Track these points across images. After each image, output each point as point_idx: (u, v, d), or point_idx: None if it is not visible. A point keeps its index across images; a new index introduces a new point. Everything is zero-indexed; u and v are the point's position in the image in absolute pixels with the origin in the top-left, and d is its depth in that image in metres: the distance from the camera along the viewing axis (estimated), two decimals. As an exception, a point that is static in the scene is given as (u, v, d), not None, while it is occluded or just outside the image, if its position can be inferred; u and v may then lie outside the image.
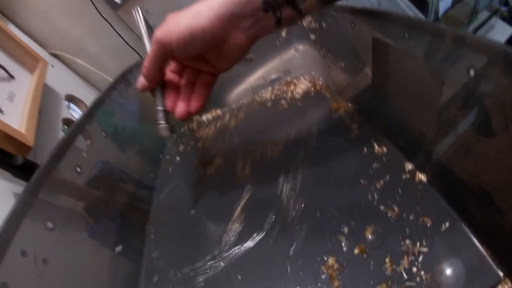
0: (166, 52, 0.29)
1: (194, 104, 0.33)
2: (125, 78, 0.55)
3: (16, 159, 0.38)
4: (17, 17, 0.66)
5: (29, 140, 0.42)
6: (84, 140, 0.39)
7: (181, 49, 0.29)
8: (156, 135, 0.34)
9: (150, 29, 0.36)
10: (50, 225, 0.30)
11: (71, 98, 0.64)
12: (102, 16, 0.72)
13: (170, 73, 0.34)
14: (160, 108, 0.33)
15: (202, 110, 0.34)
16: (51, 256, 0.29)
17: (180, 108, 0.33)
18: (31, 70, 0.58)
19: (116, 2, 0.69)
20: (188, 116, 0.33)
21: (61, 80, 0.66)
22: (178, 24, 0.28)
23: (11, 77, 0.52)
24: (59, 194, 0.33)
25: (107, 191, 0.41)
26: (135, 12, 0.37)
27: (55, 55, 0.71)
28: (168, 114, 0.34)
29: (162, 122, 0.33)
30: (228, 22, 0.28)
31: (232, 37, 0.29)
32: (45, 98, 0.57)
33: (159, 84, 0.33)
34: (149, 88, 0.33)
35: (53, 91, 0.61)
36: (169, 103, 0.33)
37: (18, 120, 0.46)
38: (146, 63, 0.31)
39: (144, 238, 0.43)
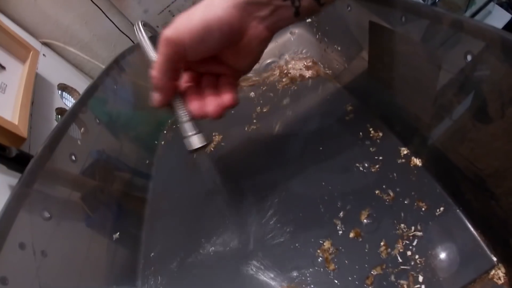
0: (179, 53, 0.25)
1: (227, 97, 0.28)
2: (118, 64, 0.54)
3: (10, 151, 0.37)
4: (6, 6, 0.64)
5: (23, 132, 0.42)
6: (78, 128, 0.39)
7: (195, 46, 0.25)
8: (190, 151, 0.29)
9: (152, 41, 0.32)
10: (47, 215, 0.30)
11: (64, 87, 0.63)
12: (93, 2, 0.70)
13: (185, 84, 0.30)
14: (185, 119, 0.28)
15: (236, 103, 0.29)
16: (49, 248, 0.29)
17: (212, 105, 0.28)
18: (22, 60, 0.57)
19: (107, -12, 0.68)
20: (224, 111, 0.28)
21: (53, 69, 0.65)
22: (190, 19, 0.25)
23: (2, 67, 0.51)
24: (54, 184, 0.33)
25: (103, 180, 0.41)
26: (136, 26, 0.35)
27: (46, 44, 0.69)
28: (196, 123, 0.29)
29: (191, 133, 0.29)
30: (245, 10, 0.25)
31: (251, 29, 0.26)
32: (38, 88, 0.56)
33: (176, 95, 0.29)
34: (166, 101, 0.28)
35: (46, 80, 0.60)
36: (195, 106, 0.28)
37: (11, 111, 0.45)
38: (156, 72, 0.26)
39: (142, 225, 0.43)
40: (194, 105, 0.28)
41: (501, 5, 1.07)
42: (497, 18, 1.03)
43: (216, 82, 0.30)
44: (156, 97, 0.28)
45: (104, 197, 0.40)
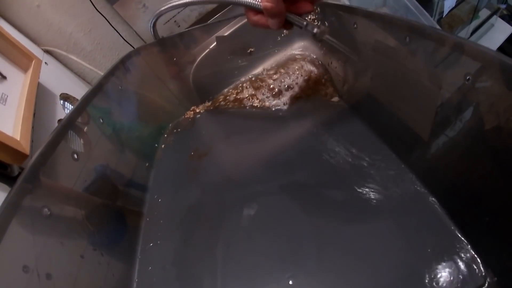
0: None
1: None
2: (123, 64, 0.54)
3: (12, 169, 0.36)
4: (8, 12, 0.63)
5: (25, 148, 0.40)
6: (80, 129, 0.38)
7: None
8: (320, 36, 0.38)
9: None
10: (49, 234, 0.29)
11: (66, 97, 0.62)
12: (98, 10, 0.69)
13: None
14: (304, 23, 0.36)
15: None
16: (54, 270, 0.28)
17: None
18: (24, 69, 0.55)
19: (112, -4, 0.67)
20: None
21: (55, 78, 0.64)
22: None
23: (3, 77, 0.50)
24: (57, 201, 0.32)
25: (105, 196, 0.40)
26: None
27: (48, 52, 0.68)
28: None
29: (315, 25, 0.37)
30: None
31: None
32: (39, 98, 0.54)
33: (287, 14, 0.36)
34: (282, 23, 0.35)
35: (48, 90, 0.59)
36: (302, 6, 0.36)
37: (12, 125, 0.44)
38: (270, 2, 0.33)
39: (139, 234, 0.42)
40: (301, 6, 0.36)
41: (503, 17, 1.08)
42: (500, 30, 1.04)
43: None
44: (273, 22, 0.34)
45: (106, 213, 0.39)
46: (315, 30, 0.37)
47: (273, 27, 0.35)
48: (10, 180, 0.36)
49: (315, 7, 0.38)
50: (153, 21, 0.53)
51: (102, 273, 0.34)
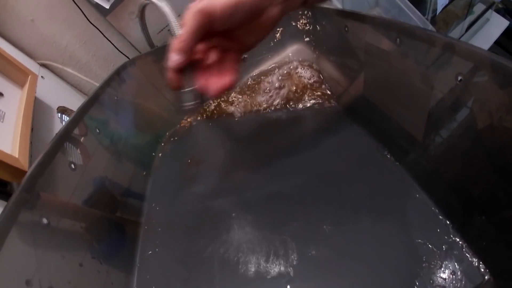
0: (207, 23, 0.28)
1: (228, 79, 0.32)
2: (119, 74, 0.54)
3: (12, 187, 0.37)
4: (3, 28, 0.64)
5: (24, 165, 0.41)
6: (78, 137, 0.39)
7: (223, 20, 0.29)
8: (182, 108, 0.36)
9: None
10: (51, 248, 0.29)
11: (63, 110, 0.63)
12: (91, 23, 0.70)
13: (196, 55, 0.32)
14: (190, 89, 0.34)
15: (235, 84, 0.34)
16: (53, 278, 0.28)
17: (213, 87, 0.32)
18: (20, 84, 0.56)
19: (105, 8, 0.67)
20: (223, 91, 0.32)
21: (52, 91, 0.64)
22: None
23: (0, 94, 0.50)
24: (58, 215, 0.32)
25: (105, 207, 0.40)
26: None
27: (44, 65, 0.69)
28: (197, 94, 0.35)
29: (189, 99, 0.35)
30: None
31: (268, 11, 0.30)
32: (37, 113, 0.55)
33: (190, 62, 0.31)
34: (183, 64, 0.30)
35: (44, 104, 0.59)
36: (200, 82, 0.32)
37: (10, 142, 0.44)
38: (184, 36, 0.28)
39: (137, 243, 0.42)
40: (200, 81, 0.32)
41: (498, 11, 1.07)
42: (495, 25, 1.03)
43: (222, 56, 0.33)
44: (176, 58, 0.30)
45: (104, 222, 0.40)
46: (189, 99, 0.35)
47: (169, 62, 0.30)
48: (10, 197, 0.36)
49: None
50: (140, 9, 0.53)
51: (101, 281, 0.34)
